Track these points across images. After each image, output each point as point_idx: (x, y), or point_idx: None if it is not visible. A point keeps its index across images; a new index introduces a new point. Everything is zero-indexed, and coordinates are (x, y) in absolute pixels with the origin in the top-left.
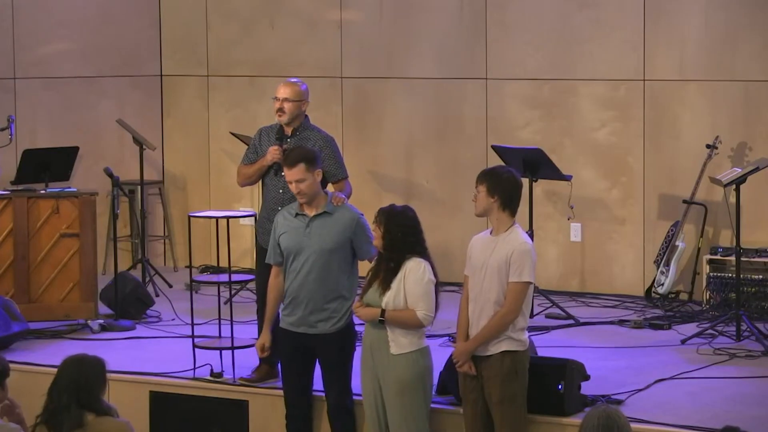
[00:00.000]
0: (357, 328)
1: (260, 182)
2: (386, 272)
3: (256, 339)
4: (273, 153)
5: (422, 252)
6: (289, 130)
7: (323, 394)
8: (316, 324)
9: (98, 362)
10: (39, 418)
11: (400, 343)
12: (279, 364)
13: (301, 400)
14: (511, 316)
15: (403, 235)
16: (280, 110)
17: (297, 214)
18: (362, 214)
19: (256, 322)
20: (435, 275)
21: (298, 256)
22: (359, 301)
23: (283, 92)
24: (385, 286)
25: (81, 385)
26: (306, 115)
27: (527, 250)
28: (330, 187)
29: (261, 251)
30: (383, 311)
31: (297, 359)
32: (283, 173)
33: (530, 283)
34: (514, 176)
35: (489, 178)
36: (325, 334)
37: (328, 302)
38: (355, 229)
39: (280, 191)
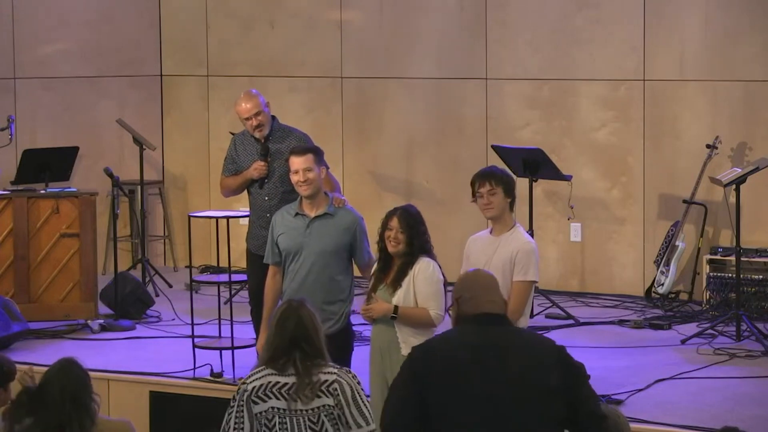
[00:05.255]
0: (355, 328)
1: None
2: (398, 272)
3: (255, 339)
4: (259, 170)
5: (430, 250)
6: (262, 138)
7: None
8: None
9: (77, 365)
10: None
11: (410, 343)
12: None
13: None
14: (515, 315)
15: (423, 234)
16: (259, 126)
17: (297, 214)
18: (362, 218)
19: (252, 323)
20: (443, 274)
21: (297, 256)
22: (366, 303)
23: (250, 109)
24: (396, 286)
25: (77, 390)
26: (273, 116)
27: (532, 250)
28: None
29: (250, 255)
30: (396, 308)
31: None
32: (267, 181)
33: (535, 282)
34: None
35: (502, 179)
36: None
37: (327, 304)
38: (356, 233)
39: (266, 198)
